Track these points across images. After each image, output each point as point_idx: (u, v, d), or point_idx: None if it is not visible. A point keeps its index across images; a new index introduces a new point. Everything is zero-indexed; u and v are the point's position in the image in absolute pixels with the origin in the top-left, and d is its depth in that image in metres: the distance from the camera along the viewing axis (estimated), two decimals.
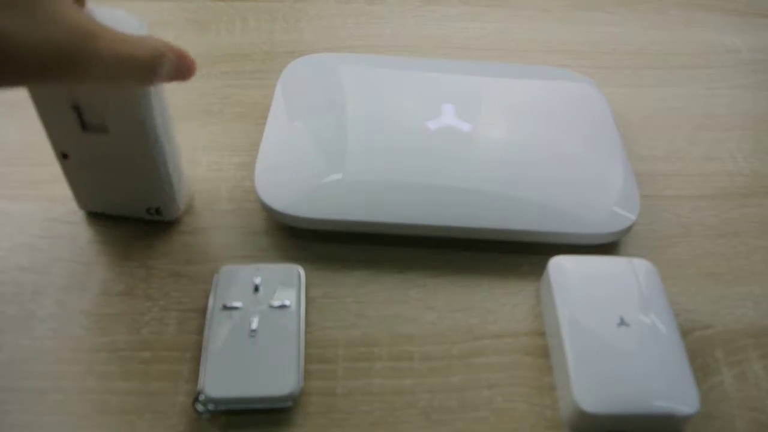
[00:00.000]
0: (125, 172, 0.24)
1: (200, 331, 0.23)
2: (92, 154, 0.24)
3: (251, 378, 0.21)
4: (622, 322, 0.22)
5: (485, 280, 0.26)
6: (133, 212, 0.26)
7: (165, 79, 0.20)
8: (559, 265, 0.24)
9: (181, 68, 0.21)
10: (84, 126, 0.23)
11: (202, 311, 0.24)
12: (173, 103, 0.34)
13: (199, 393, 0.21)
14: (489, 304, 0.25)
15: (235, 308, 0.23)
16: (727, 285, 0.26)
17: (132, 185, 0.25)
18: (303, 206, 0.25)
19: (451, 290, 0.25)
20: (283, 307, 0.23)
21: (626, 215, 0.26)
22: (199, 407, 0.21)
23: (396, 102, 0.29)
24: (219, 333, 0.22)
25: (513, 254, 0.27)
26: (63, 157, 0.24)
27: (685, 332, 0.24)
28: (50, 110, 0.22)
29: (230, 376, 0.21)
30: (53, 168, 0.29)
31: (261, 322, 0.23)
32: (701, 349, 0.24)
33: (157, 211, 0.26)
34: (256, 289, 0.24)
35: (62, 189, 0.28)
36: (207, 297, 0.24)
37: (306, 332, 0.24)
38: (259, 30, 0.37)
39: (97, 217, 0.27)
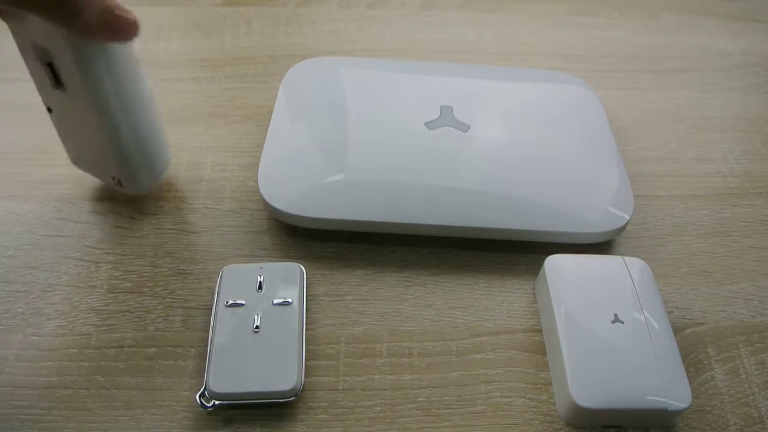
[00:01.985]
0: (86, 135, 0.24)
1: (205, 327, 0.24)
2: (65, 112, 0.24)
3: (254, 373, 0.22)
4: (616, 319, 0.23)
5: (483, 278, 0.26)
6: (103, 177, 0.27)
7: (94, 29, 0.19)
8: (555, 263, 0.25)
9: (116, 21, 0.19)
10: (57, 83, 0.23)
11: (207, 308, 0.24)
12: (179, 105, 0.34)
13: (203, 388, 0.22)
14: (487, 301, 0.26)
15: (239, 305, 0.24)
16: (718, 283, 0.27)
17: (99, 150, 0.25)
18: (305, 206, 0.26)
19: (450, 288, 0.26)
20: (285, 304, 0.24)
21: (620, 215, 0.27)
22: (204, 402, 0.22)
23: (396, 104, 0.29)
24: (223, 329, 0.23)
25: (510, 253, 0.27)
26: (48, 110, 0.24)
27: (678, 329, 0.25)
28: (32, 66, 0.23)
29: (234, 371, 0.22)
30: (62, 169, 0.30)
31: (264, 319, 0.23)
32: (693, 346, 0.25)
33: (120, 182, 0.26)
34: (260, 287, 0.24)
35: (71, 189, 0.29)
36: (211, 294, 0.25)
37: (308, 329, 0.24)
38: (262, 34, 0.38)
39: (104, 217, 0.28)
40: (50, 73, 0.22)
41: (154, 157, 0.27)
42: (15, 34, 0.22)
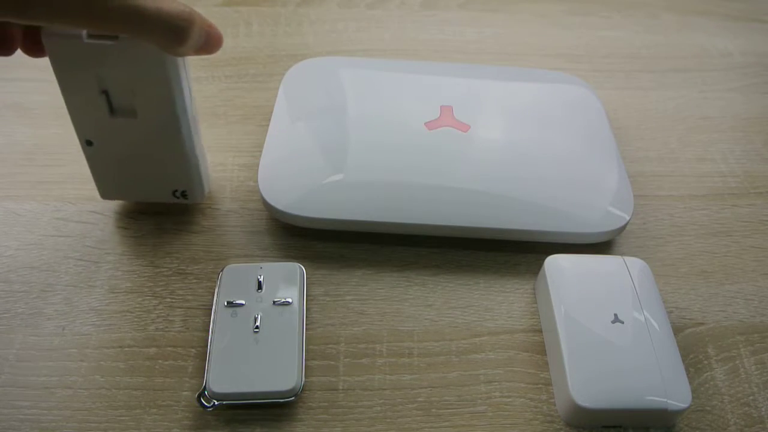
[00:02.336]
0: (152, 156, 0.25)
1: (205, 327, 0.24)
2: (119, 139, 0.24)
3: (254, 374, 0.22)
4: (616, 319, 0.23)
5: (483, 278, 0.26)
6: (159, 197, 0.27)
7: (193, 48, 0.20)
8: (555, 263, 0.25)
9: (209, 40, 0.20)
10: (112, 111, 0.23)
11: (207, 308, 0.24)
12: None
13: (203, 388, 0.22)
14: (487, 301, 0.26)
15: (239, 305, 0.24)
16: (718, 283, 0.27)
17: (159, 169, 0.25)
18: (305, 206, 0.26)
19: (450, 288, 0.26)
20: (285, 304, 0.24)
21: (620, 215, 0.27)
22: (204, 402, 0.22)
23: (396, 104, 0.29)
24: (223, 330, 0.23)
25: (510, 253, 0.27)
26: (87, 144, 0.24)
27: (678, 329, 0.25)
28: (78, 96, 0.22)
29: (234, 371, 0.22)
30: (62, 169, 0.30)
31: (264, 319, 0.23)
32: (693, 346, 0.25)
33: (183, 194, 0.26)
34: (259, 286, 0.24)
35: (71, 189, 0.29)
36: (211, 294, 0.25)
37: (307, 329, 0.24)
38: (262, 34, 0.38)
39: (104, 217, 0.28)
40: (106, 102, 0.23)
41: (206, 161, 0.27)
42: (67, 69, 0.22)
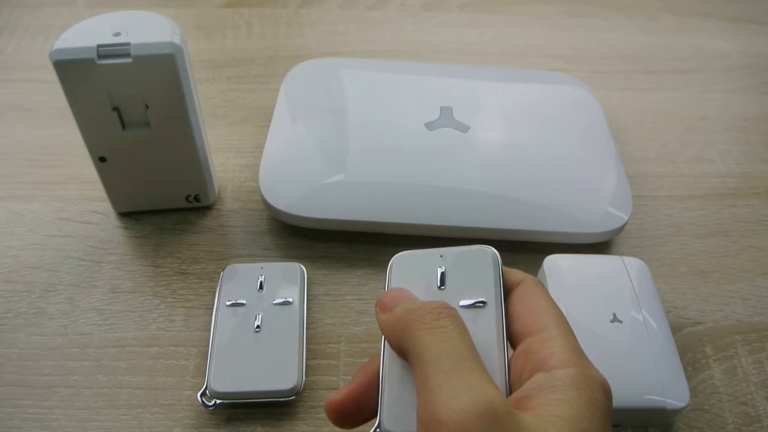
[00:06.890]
0: (166, 164, 0.25)
1: (206, 327, 0.24)
2: (132, 152, 0.24)
3: (255, 373, 0.22)
4: (615, 319, 0.23)
5: None
6: (172, 203, 0.27)
7: None
8: (554, 263, 0.25)
9: None
10: (124, 125, 0.23)
11: (208, 308, 0.25)
12: None
13: (205, 387, 0.22)
14: None
15: (240, 305, 0.24)
16: (716, 283, 0.27)
17: (172, 175, 0.26)
18: (306, 206, 0.26)
19: None
20: (286, 303, 0.24)
21: (619, 215, 0.27)
22: (205, 401, 0.22)
23: (396, 105, 0.29)
24: (224, 329, 0.23)
25: (509, 253, 0.27)
26: (101, 160, 0.25)
27: (676, 329, 0.25)
28: (90, 115, 0.23)
29: (235, 371, 0.22)
30: (64, 169, 0.30)
31: (265, 319, 0.23)
32: (691, 345, 0.25)
33: (196, 198, 0.27)
34: (260, 286, 0.24)
35: (73, 189, 0.29)
36: (213, 294, 0.25)
37: (308, 328, 0.24)
38: (263, 35, 0.38)
39: (106, 217, 0.28)
40: (118, 117, 0.23)
41: (213, 162, 0.28)
42: (78, 90, 0.22)
